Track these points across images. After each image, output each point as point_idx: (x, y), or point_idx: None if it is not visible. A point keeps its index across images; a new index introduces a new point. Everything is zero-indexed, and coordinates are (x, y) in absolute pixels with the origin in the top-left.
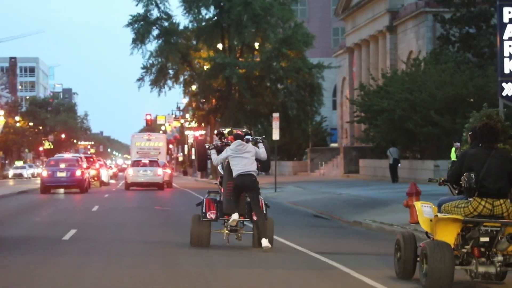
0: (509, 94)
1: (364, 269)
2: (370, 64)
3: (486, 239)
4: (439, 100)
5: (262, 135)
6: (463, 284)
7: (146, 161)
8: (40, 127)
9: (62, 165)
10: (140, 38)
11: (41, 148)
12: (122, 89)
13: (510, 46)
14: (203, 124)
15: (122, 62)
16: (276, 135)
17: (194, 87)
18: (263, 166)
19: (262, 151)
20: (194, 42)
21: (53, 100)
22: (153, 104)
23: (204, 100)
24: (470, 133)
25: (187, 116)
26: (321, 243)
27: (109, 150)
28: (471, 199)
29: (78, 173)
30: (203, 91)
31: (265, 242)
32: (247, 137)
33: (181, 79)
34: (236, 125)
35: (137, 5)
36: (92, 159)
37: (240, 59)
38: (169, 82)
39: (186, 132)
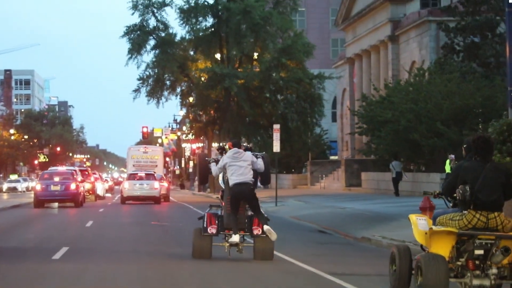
0: None
1: None
2: (371, 74)
3: (481, 252)
4: (446, 111)
5: (262, 147)
6: None
7: (142, 174)
8: (35, 140)
9: (56, 179)
10: (136, 48)
11: (36, 162)
12: (118, 102)
13: None
14: (201, 137)
15: (118, 75)
16: (276, 147)
17: (191, 99)
18: (263, 179)
19: (259, 161)
20: (192, 53)
21: (48, 113)
22: (149, 117)
23: (202, 112)
24: (464, 146)
25: (184, 128)
26: (330, 262)
27: (105, 163)
28: (465, 211)
29: (72, 186)
30: (200, 102)
31: (266, 227)
32: (248, 152)
33: (178, 90)
34: (235, 137)
35: (133, 13)
36: (87, 172)
37: (239, 69)
38: (166, 93)
39: (183, 145)
